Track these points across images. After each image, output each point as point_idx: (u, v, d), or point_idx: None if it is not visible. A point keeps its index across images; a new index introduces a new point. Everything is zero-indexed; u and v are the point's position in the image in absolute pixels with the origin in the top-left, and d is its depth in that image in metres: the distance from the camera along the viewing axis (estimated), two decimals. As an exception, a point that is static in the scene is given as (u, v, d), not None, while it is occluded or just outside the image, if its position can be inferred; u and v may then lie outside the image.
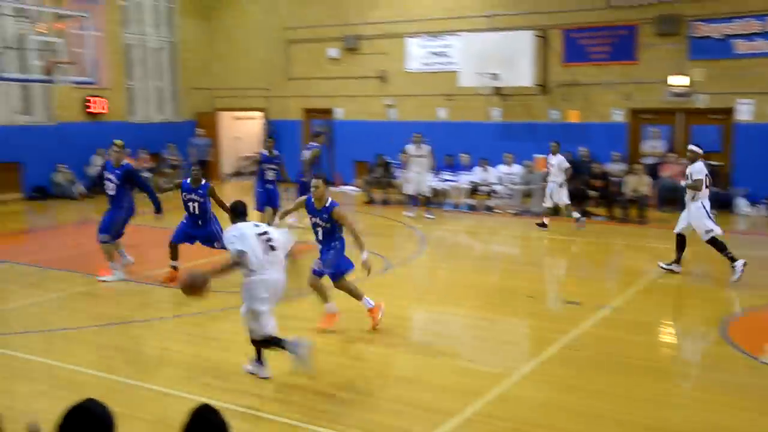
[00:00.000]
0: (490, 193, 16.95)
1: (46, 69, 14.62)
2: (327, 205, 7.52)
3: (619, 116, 17.55)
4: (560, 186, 14.16)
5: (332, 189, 19.82)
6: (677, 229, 10.28)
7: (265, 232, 6.29)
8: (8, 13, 16.62)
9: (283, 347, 6.08)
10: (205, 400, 5.44)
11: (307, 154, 14.20)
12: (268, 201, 12.90)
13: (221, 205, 9.60)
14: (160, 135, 21.22)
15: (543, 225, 14.24)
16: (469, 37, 18.09)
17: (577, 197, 15.78)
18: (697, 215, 10.01)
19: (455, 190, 17.26)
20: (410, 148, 15.47)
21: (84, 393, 3.03)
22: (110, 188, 9.90)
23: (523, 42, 17.29)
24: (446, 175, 17.41)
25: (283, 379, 6.32)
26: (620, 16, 17.19)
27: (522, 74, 17.20)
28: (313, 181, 7.61)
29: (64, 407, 2.70)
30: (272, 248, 6.24)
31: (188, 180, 9.99)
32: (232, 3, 23.02)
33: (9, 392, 5.82)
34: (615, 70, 17.42)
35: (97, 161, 19.66)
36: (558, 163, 14.17)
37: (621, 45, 17.27)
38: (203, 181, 10.00)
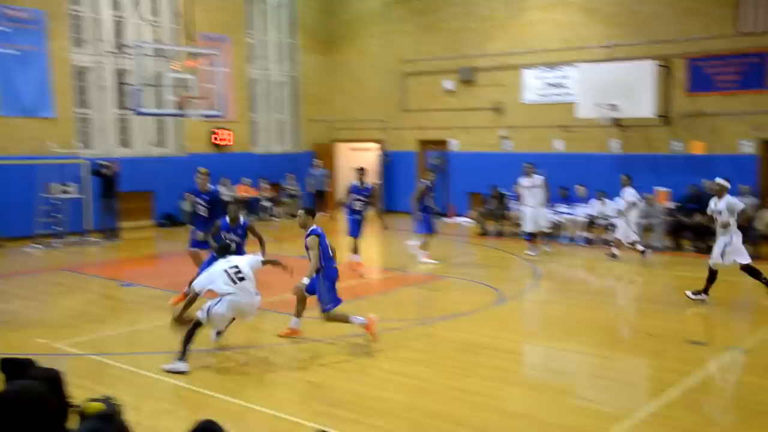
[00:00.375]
0: (608, 227, 16.44)
1: (179, 104, 15.58)
2: (307, 233, 8.03)
3: (748, 148, 16.64)
4: (624, 218, 14.32)
5: (445, 221, 19.86)
6: (742, 263, 10.36)
7: (235, 266, 7.54)
8: (148, 53, 17.90)
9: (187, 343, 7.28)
10: (321, 427, 5.57)
11: (418, 187, 14.35)
12: (358, 229, 13.15)
13: (260, 240, 9.69)
14: (280, 165, 22.04)
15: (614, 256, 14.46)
16: (587, 67, 17.78)
17: (701, 232, 15.06)
18: (719, 245, 10.34)
19: (571, 223, 16.87)
20: (523, 181, 15.10)
21: (204, 413, 3.17)
22: (202, 210, 10.97)
23: (644, 72, 16.80)
24: (562, 208, 17.04)
25: (405, 411, 6.34)
26: (750, 42, 16.38)
27: (642, 105, 16.71)
28: (298, 211, 8.37)
29: (186, 427, 2.83)
30: (241, 279, 7.45)
31: (227, 219, 9.88)
32: (352, 38, 23.71)
33: (137, 408, 6.15)
34: (744, 99, 16.57)
35: (222, 190, 20.64)
36: (625, 196, 14.25)
37: (751, 73, 16.43)
38: (241, 221, 9.97)
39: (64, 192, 16.45)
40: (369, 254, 15.81)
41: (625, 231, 14.31)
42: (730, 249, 10.23)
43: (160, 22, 19.61)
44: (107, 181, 16.80)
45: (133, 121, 19.07)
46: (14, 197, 16.34)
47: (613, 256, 14.42)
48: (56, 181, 16.43)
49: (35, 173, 16.35)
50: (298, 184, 21.88)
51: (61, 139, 17.23)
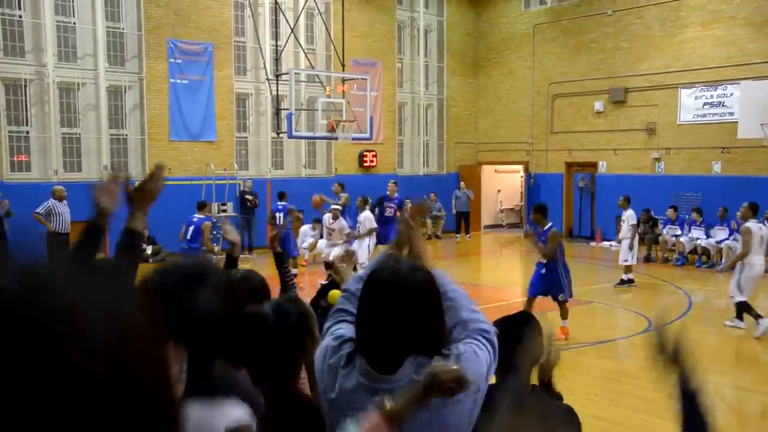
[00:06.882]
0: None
1: (329, 127, 16.20)
2: None
3: None
4: (621, 242, 13.47)
5: (591, 244, 19.24)
6: None
7: None
8: (303, 80, 18.80)
9: None
10: None
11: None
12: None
13: None
14: (425, 187, 22.28)
15: (625, 281, 13.53)
16: (752, 84, 16.73)
17: None
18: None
19: (728, 248, 15.81)
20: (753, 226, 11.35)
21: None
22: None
23: (817, 88, 15.61)
24: (720, 232, 16.04)
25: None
26: None
27: (814, 124, 15.50)
28: None
29: None
30: None
31: None
32: (499, 60, 23.69)
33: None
34: None
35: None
36: (627, 218, 13.53)
37: None
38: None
39: (222, 211, 17.52)
40: (510, 278, 15.63)
41: (626, 254, 13.52)
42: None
43: (315, 50, 20.54)
44: (248, 202, 17.77)
45: (286, 143, 20.06)
46: (180, 216, 17.60)
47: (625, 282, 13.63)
48: (216, 201, 17.54)
49: (198, 194, 17.57)
50: (442, 206, 22.05)
51: (222, 162, 18.41)
